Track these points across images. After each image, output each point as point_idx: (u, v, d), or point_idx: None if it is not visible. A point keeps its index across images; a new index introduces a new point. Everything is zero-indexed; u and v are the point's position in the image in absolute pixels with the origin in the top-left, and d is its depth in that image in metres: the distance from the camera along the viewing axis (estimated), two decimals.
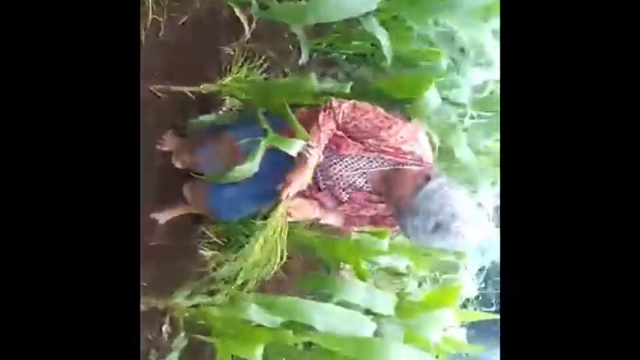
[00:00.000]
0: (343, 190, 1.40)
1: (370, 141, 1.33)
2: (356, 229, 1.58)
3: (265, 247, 1.36)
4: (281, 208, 1.29)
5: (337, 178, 1.38)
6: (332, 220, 1.48)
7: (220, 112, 1.75)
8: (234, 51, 1.99)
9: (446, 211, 1.17)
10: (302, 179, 1.31)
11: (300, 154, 1.30)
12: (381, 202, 1.41)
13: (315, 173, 1.40)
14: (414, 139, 1.35)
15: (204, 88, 1.62)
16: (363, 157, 1.35)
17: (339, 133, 1.37)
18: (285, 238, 1.33)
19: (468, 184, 1.75)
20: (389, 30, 1.58)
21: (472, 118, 2.00)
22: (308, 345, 1.54)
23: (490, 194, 1.54)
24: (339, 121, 1.36)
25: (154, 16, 1.69)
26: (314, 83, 1.50)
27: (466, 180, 1.55)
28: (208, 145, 1.57)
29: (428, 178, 1.24)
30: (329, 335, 1.08)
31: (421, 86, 1.42)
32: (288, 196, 1.29)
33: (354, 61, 2.01)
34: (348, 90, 1.62)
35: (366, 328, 1.12)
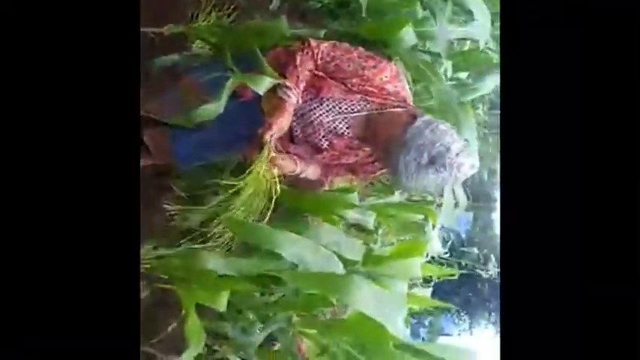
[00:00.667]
0: (323, 136, 1.34)
1: (354, 80, 1.28)
2: (332, 179, 1.53)
3: (251, 195, 1.27)
4: (266, 151, 1.21)
5: (317, 124, 1.32)
6: (311, 172, 1.42)
7: (185, 53, 1.65)
8: None
9: (438, 145, 1.15)
10: (282, 122, 1.24)
11: (277, 97, 1.24)
12: (362, 149, 1.37)
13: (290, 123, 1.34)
14: (397, 80, 1.32)
15: (168, 29, 1.52)
16: (345, 99, 1.30)
17: (320, 73, 1.31)
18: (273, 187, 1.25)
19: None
20: None
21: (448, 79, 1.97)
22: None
23: (472, 134, 1.53)
24: (319, 62, 1.30)
25: None
26: (285, 27, 1.43)
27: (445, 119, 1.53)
28: (171, 89, 1.49)
29: (414, 117, 1.22)
30: (297, 272, 1.05)
31: (396, 27, 1.37)
32: (271, 138, 1.21)
33: (328, 12, 1.94)
34: (321, 36, 1.56)
35: (335, 265, 1.08)
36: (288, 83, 1.26)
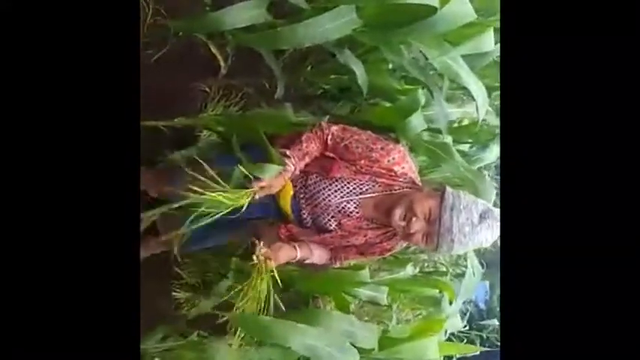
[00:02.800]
0: (332, 217, 1.35)
1: (362, 162, 1.32)
2: (341, 263, 1.52)
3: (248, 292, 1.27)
4: (258, 251, 1.21)
5: (325, 205, 1.34)
6: (317, 258, 1.41)
7: (198, 145, 1.71)
8: (210, 88, 1.99)
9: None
10: (273, 182, 1.25)
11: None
12: (371, 229, 1.38)
13: (297, 206, 1.36)
14: (405, 161, 1.35)
15: (179, 121, 1.59)
16: (354, 179, 1.32)
17: (330, 154, 1.34)
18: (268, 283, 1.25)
19: None
20: (364, 63, 1.60)
21: None
22: None
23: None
24: (329, 142, 1.34)
25: None
26: (290, 114, 1.49)
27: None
28: (182, 177, 1.52)
29: (443, 192, 1.28)
30: None
31: (406, 112, 1.42)
32: (258, 190, 1.22)
33: (330, 96, 2.02)
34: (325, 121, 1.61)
35: (351, 354, 1.04)
36: (288, 152, 1.29)
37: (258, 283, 1.19)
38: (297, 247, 1.32)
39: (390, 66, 1.65)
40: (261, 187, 1.25)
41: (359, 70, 1.59)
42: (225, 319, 1.27)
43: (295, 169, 1.31)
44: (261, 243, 1.18)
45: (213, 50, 1.80)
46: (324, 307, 1.61)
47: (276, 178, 1.27)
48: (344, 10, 1.09)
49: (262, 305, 1.19)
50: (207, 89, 1.98)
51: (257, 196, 1.25)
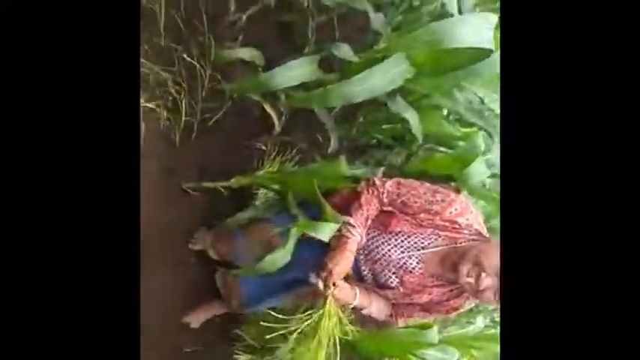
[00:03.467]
0: (393, 273, 1.27)
1: (422, 216, 1.24)
2: (404, 322, 1.42)
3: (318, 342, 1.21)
4: (328, 305, 1.17)
5: (385, 260, 1.26)
6: (375, 310, 1.33)
7: (256, 204, 1.72)
8: (266, 145, 2.02)
9: None
10: (343, 263, 1.20)
11: (340, 235, 1.22)
12: (437, 286, 1.28)
13: (357, 262, 1.30)
14: (468, 212, 1.26)
15: (236, 181, 1.61)
16: (415, 233, 1.25)
17: (388, 208, 1.28)
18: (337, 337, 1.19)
19: None
20: (417, 109, 1.57)
21: None
22: None
23: None
24: (384, 200, 1.28)
25: (187, 118, 1.76)
26: (344, 167, 1.46)
27: None
28: (244, 236, 1.52)
29: None
30: None
31: (465, 160, 1.35)
32: (334, 285, 1.17)
33: (384, 146, 1.99)
34: (380, 173, 1.58)
35: None
36: (352, 221, 1.24)
37: (324, 324, 1.13)
38: (357, 291, 1.26)
39: (445, 111, 1.61)
40: (329, 275, 1.19)
41: (412, 117, 1.55)
42: None
43: (362, 238, 1.27)
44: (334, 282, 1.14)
45: (267, 109, 1.84)
46: None
47: (343, 260, 1.21)
48: (395, 61, 1.06)
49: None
50: (263, 147, 2.02)
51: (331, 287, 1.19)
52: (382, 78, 1.08)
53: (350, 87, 1.09)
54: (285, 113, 1.93)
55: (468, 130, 1.65)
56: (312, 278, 1.19)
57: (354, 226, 1.24)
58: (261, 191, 1.79)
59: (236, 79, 1.77)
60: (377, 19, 1.78)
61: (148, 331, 1.58)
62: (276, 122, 1.93)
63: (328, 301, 1.15)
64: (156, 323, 1.62)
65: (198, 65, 1.77)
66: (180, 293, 1.71)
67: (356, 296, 1.26)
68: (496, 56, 1.06)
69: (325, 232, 1.18)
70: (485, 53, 1.01)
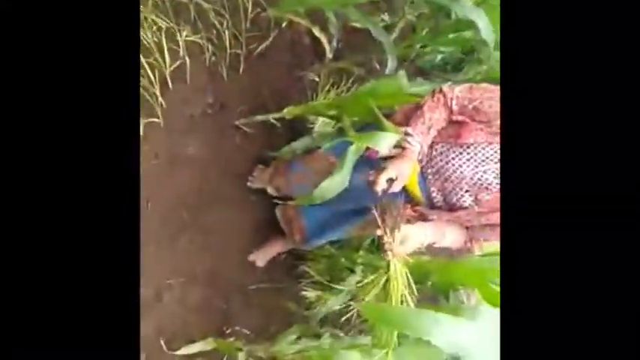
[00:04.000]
0: (466, 191, 1.13)
1: (498, 122, 1.08)
2: (479, 248, 1.29)
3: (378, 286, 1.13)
4: (387, 244, 1.06)
5: (458, 177, 1.13)
6: (450, 239, 1.21)
7: (312, 133, 1.62)
8: (319, 76, 1.89)
9: None
10: (400, 167, 1.09)
11: (399, 147, 1.11)
12: None
13: (426, 183, 1.18)
14: None
15: (288, 112, 1.51)
16: (490, 143, 1.10)
17: (459, 118, 1.14)
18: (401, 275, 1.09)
19: None
20: (486, 12, 1.36)
21: None
22: None
23: None
24: (454, 107, 1.14)
25: (233, 50, 1.66)
26: (404, 83, 1.31)
27: None
28: (301, 166, 1.44)
29: None
30: None
31: None
32: (386, 184, 1.07)
33: (453, 64, 1.79)
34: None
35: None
36: (409, 130, 1.12)
37: (391, 277, 1.03)
38: (427, 230, 1.14)
39: None
40: (390, 180, 1.09)
41: (481, 20, 1.35)
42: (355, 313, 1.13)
43: (422, 147, 1.14)
44: (387, 234, 1.02)
45: (317, 33, 1.70)
46: (468, 301, 1.39)
47: (402, 163, 1.11)
48: None
49: (397, 300, 1.03)
50: (316, 78, 1.89)
51: (390, 191, 1.10)
52: None
53: None
54: (337, 37, 1.78)
55: None
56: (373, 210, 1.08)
57: (412, 135, 1.11)
58: (318, 121, 1.68)
59: (280, 2, 1.63)
60: None
61: (216, 270, 1.58)
62: (327, 48, 1.79)
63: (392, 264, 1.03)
64: (221, 264, 1.61)
65: None
66: (244, 231, 1.67)
67: (426, 237, 1.13)
68: None
69: (383, 142, 1.06)
70: None
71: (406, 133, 1.13)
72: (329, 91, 1.87)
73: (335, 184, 1.12)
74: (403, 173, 1.10)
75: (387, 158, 1.12)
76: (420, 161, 1.18)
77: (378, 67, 1.99)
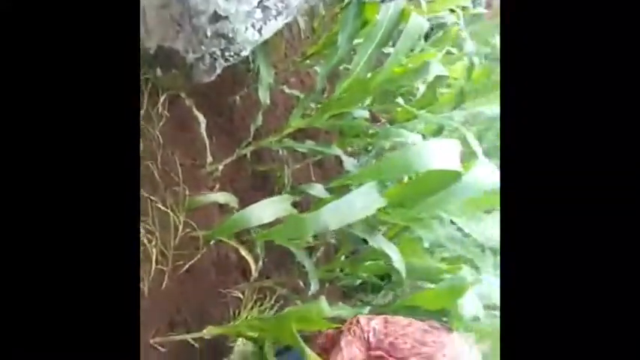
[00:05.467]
0: None
1: (414, 359, 1.12)
2: None
3: None
4: None
5: None
6: None
7: (231, 358, 1.55)
8: (243, 293, 1.91)
9: None
10: None
11: None
12: None
13: None
14: (464, 352, 1.15)
15: (208, 331, 1.47)
16: None
17: (377, 353, 1.16)
18: None
19: None
20: (398, 245, 1.53)
21: None
22: None
23: None
24: (371, 340, 1.17)
25: (158, 267, 1.67)
26: (325, 308, 1.36)
27: None
28: None
29: None
30: None
31: (453, 295, 1.27)
32: None
33: (371, 287, 1.90)
34: (366, 312, 1.47)
35: None
36: None
37: None
38: None
39: (427, 244, 1.57)
40: None
41: (393, 252, 1.50)
42: None
43: None
44: None
45: (243, 253, 1.77)
46: None
47: None
48: (366, 189, 1.06)
49: None
50: (240, 295, 1.90)
51: None
52: (352, 206, 1.05)
53: (323, 215, 1.06)
54: (263, 257, 1.87)
55: (452, 262, 1.59)
56: None
57: None
58: (238, 343, 1.63)
59: (211, 225, 1.74)
60: (349, 162, 1.84)
61: None
62: (253, 267, 1.85)
63: None
64: None
65: (172, 214, 1.75)
66: None
67: None
68: (467, 179, 1.07)
69: None
70: (454, 176, 1.01)
71: None
72: (252, 308, 1.87)
73: None
74: None
75: None
76: None
77: (302, 285, 2.06)
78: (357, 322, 1.21)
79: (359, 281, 1.87)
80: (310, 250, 1.84)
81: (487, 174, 1.15)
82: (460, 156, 1.07)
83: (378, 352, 1.17)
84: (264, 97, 1.81)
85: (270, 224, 1.39)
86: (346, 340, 1.18)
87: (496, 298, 1.42)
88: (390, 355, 1.15)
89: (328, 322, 1.33)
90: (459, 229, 1.33)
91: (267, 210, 1.33)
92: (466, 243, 1.38)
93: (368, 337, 1.18)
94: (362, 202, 1.06)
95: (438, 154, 0.99)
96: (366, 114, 2.03)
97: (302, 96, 2.02)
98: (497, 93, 1.90)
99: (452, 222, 1.31)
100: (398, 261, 1.50)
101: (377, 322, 1.20)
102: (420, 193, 1.12)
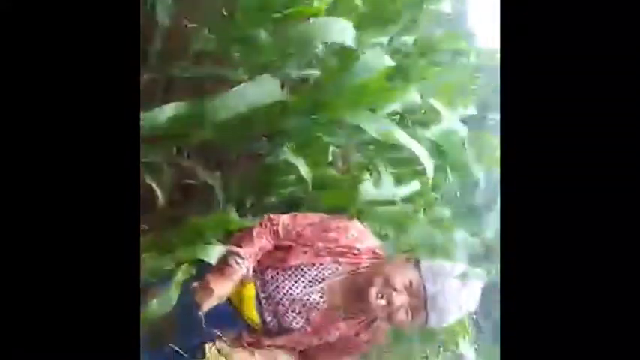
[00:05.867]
0: (297, 313, 1.17)
1: (320, 244, 1.19)
2: None
3: None
4: (208, 351, 1.04)
5: (287, 300, 1.16)
6: None
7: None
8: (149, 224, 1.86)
9: (457, 266, 1.17)
10: (223, 286, 1.09)
11: (225, 265, 1.12)
12: (344, 319, 1.19)
13: (258, 303, 1.19)
14: (365, 236, 1.25)
15: None
16: (314, 264, 1.18)
17: (285, 243, 1.22)
18: None
19: None
20: (305, 157, 1.57)
21: None
22: None
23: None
24: (280, 232, 1.23)
25: None
26: (234, 218, 1.39)
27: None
28: None
29: (417, 260, 1.18)
30: None
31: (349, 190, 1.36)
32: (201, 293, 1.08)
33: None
34: None
35: None
36: (241, 252, 1.15)
37: None
38: (257, 356, 1.11)
39: (330, 158, 1.64)
40: (205, 289, 1.08)
41: (301, 165, 1.55)
42: None
43: (247, 270, 1.16)
44: (213, 346, 0.97)
45: (149, 182, 1.72)
46: None
47: (221, 281, 1.11)
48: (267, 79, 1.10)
49: None
50: (145, 227, 1.85)
51: (205, 307, 1.07)
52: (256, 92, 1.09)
53: (226, 100, 1.07)
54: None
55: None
56: None
57: (241, 257, 1.14)
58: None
59: None
60: None
61: None
62: (160, 196, 1.81)
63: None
64: None
65: None
66: None
67: (254, 357, 1.14)
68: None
69: (212, 253, 1.07)
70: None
71: (236, 254, 1.15)
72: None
73: (159, 306, 1.05)
74: (223, 293, 1.10)
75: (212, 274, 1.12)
76: (256, 287, 1.20)
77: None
78: (269, 218, 1.26)
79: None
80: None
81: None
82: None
83: (286, 242, 1.22)
84: None
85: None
86: (257, 231, 1.22)
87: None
88: (298, 244, 1.21)
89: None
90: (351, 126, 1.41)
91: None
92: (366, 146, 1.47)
93: (277, 229, 1.24)
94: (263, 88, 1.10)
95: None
96: None
97: None
98: None
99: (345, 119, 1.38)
100: (305, 173, 1.55)
101: (286, 217, 1.27)
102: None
